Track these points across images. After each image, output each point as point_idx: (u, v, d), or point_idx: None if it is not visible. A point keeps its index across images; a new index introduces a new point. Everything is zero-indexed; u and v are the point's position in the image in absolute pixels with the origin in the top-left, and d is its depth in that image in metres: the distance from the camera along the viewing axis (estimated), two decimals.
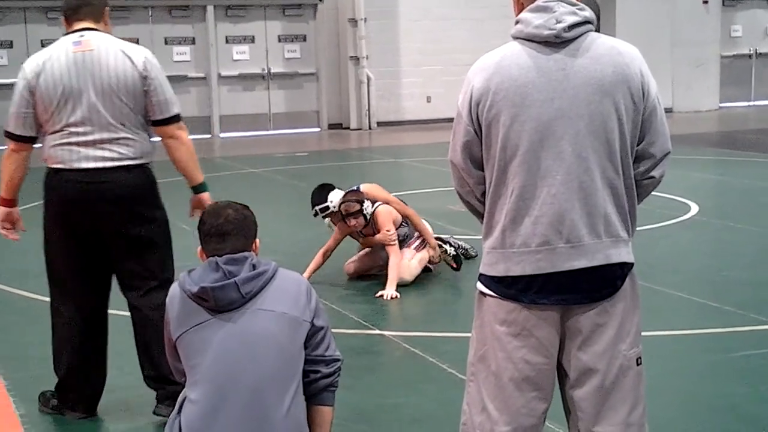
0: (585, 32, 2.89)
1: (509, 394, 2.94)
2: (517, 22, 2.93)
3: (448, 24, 19.85)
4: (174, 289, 3.24)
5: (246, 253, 3.22)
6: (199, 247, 3.29)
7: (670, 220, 9.15)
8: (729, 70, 22.22)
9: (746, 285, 6.81)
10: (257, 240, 3.33)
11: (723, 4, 21.60)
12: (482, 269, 3.00)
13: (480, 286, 3.01)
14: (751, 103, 22.76)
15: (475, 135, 2.92)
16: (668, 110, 20.14)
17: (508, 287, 2.90)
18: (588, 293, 2.88)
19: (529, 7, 2.91)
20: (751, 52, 22.80)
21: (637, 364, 2.97)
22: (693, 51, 20.91)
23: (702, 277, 7.28)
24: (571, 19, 2.85)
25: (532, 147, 2.83)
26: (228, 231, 3.22)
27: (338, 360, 3.33)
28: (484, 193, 2.99)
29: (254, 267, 3.18)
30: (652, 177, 2.98)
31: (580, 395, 2.94)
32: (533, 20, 2.87)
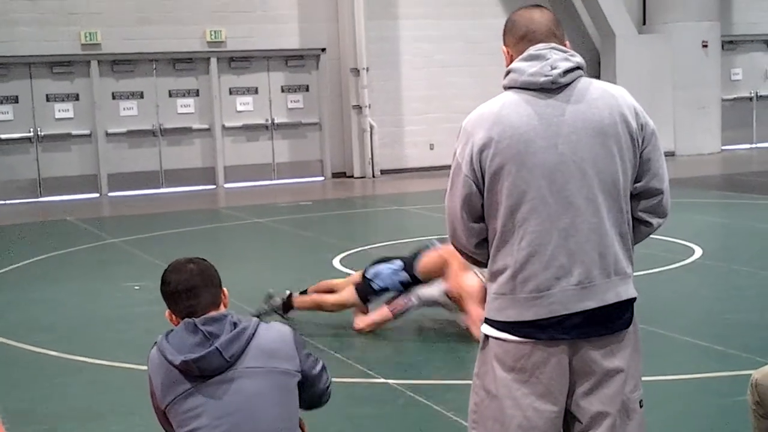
0: (577, 77, 2.95)
1: None
2: (508, 72, 2.98)
3: (450, 71, 19.99)
4: (153, 355, 3.14)
5: (225, 312, 3.16)
6: (167, 311, 3.22)
7: (674, 263, 9.15)
8: (730, 112, 22.30)
9: (751, 328, 6.80)
10: (225, 289, 3.26)
11: (722, 48, 21.73)
12: (489, 314, 3.00)
13: (488, 330, 3.00)
14: (753, 146, 22.81)
15: (475, 187, 2.94)
16: (670, 154, 20.24)
17: (524, 327, 2.91)
18: (602, 326, 2.91)
19: (521, 57, 2.97)
20: (752, 94, 22.91)
21: (640, 406, 3.00)
22: (694, 94, 21.01)
23: (707, 321, 7.28)
24: (565, 65, 2.92)
25: (540, 193, 2.86)
26: (196, 284, 3.16)
27: (329, 384, 3.37)
28: (476, 244, 3.02)
29: (235, 325, 3.12)
30: (649, 224, 3.04)
31: None
32: (527, 68, 2.92)
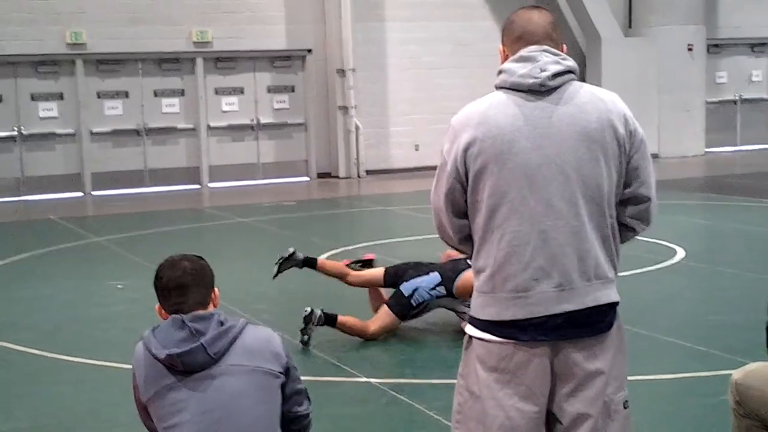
0: (568, 81, 2.95)
1: None
2: (500, 72, 2.99)
3: (437, 73, 20.01)
4: (139, 349, 3.15)
5: (213, 311, 3.17)
6: (158, 305, 3.23)
7: (657, 264, 9.18)
8: (715, 115, 22.39)
9: (733, 329, 6.83)
10: (216, 289, 3.28)
11: (707, 51, 21.83)
12: (472, 312, 3.01)
13: (472, 330, 3.01)
14: (737, 148, 22.92)
15: (458, 184, 2.96)
16: (655, 156, 20.30)
17: (505, 327, 2.92)
18: (582, 329, 2.91)
19: (512, 58, 2.98)
20: (736, 98, 23.01)
21: (624, 408, 3.00)
22: (679, 97, 21.09)
23: (689, 322, 7.30)
24: (555, 68, 2.92)
25: (521, 193, 2.87)
26: (187, 283, 3.17)
27: (308, 414, 3.32)
28: (461, 239, 3.04)
29: (221, 324, 3.13)
30: (634, 230, 3.05)
31: None
32: (517, 70, 2.93)
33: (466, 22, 20.19)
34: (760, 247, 10.31)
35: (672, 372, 5.91)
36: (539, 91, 2.90)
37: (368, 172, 19.62)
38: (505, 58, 3.02)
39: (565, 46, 3.04)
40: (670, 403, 5.34)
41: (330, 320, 6.66)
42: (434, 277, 6.76)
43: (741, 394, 3.70)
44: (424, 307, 6.81)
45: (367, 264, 7.39)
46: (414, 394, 5.57)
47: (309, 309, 6.59)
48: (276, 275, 7.15)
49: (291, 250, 7.20)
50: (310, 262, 7.21)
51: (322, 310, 6.64)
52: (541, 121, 2.88)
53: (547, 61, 2.92)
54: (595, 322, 2.92)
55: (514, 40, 3.01)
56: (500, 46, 3.07)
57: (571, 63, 2.96)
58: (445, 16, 20.12)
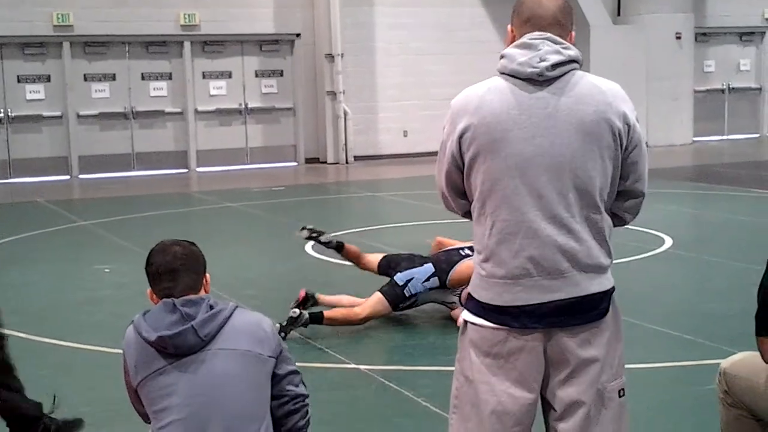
0: (569, 71, 2.90)
1: (491, 427, 2.94)
2: (502, 57, 2.94)
3: (426, 59, 19.97)
4: (129, 333, 3.15)
5: (203, 295, 3.18)
6: (149, 289, 3.23)
7: (645, 253, 9.20)
8: (702, 104, 22.44)
9: (719, 317, 6.85)
10: (207, 275, 3.27)
11: (696, 40, 21.85)
12: (470, 287, 3.02)
13: (467, 315, 3.01)
14: (725, 137, 22.99)
15: (455, 168, 2.96)
16: None
17: (498, 314, 2.92)
18: (575, 317, 2.90)
19: (515, 43, 2.93)
20: (724, 86, 23.06)
21: (620, 396, 2.99)
22: (667, 86, 21.12)
23: (677, 311, 7.32)
24: (555, 58, 2.87)
25: (512, 183, 2.85)
26: (177, 268, 3.17)
27: (305, 396, 3.28)
28: (465, 213, 3.06)
29: (211, 307, 3.13)
30: (623, 221, 3.07)
31: (566, 428, 2.95)
32: (517, 57, 2.89)
33: (455, 8, 20.16)
34: (747, 237, 10.35)
35: (660, 361, 5.92)
36: (538, 80, 2.86)
37: (356, 157, 19.59)
38: (512, 39, 2.97)
39: (573, 32, 2.98)
40: (658, 392, 5.35)
41: (316, 319, 6.61)
42: (428, 268, 6.75)
43: (729, 383, 3.71)
44: (415, 300, 6.79)
45: (306, 300, 7.01)
46: (402, 380, 5.57)
47: (297, 311, 6.52)
48: (305, 238, 7.38)
49: (327, 238, 7.21)
50: (339, 248, 7.22)
51: (308, 313, 6.59)
52: (538, 111, 2.85)
53: (548, 50, 2.86)
54: (588, 310, 2.92)
55: (522, 22, 2.95)
56: (509, 26, 3.01)
57: (573, 52, 2.90)
58: (433, 1, 20.07)
